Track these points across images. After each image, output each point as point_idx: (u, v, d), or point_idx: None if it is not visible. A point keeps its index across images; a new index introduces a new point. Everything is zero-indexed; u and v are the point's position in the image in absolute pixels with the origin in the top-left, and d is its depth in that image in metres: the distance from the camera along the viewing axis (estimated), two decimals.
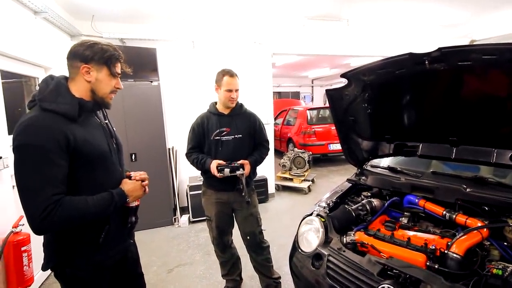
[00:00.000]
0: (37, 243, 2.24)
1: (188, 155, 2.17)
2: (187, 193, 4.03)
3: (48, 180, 1.00)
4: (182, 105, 4.29)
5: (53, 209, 0.98)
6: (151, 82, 3.80)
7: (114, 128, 1.32)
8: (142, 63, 3.84)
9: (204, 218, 2.29)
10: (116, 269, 1.30)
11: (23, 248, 1.95)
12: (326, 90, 1.95)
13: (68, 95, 1.11)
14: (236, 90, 2.07)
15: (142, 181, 1.28)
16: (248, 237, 2.21)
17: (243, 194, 1.97)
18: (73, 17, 3.66)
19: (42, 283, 2.69)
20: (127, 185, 1.22)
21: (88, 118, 1.18)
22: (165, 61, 4.15)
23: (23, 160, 1.00)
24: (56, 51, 3.19)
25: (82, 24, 3.73)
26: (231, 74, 2.05)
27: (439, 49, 1.35)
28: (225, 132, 2.09)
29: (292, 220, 2.72)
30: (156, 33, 4.09)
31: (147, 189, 1.29)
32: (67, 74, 1.17)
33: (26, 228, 2.04)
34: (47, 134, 1.01)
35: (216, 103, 2.19)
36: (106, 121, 1.29)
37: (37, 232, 1.02)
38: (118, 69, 1.19)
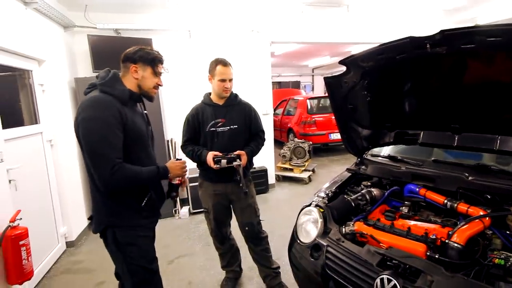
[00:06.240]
0: (35, 238, 2.24)
1: (183, 147, 2.13)
2: (187, 184, 4.02)
3: (113, 146, 1.25)
4: (180, 96, 4.22)
5: (118, 169, 1.24)
6: None
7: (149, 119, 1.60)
8: None
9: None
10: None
11: (21, 242, 1.95)
12: (324, 78, 1.89)
13: (122, 84, 1.39)
14: (230, 80, 2.02)
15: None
16: (246, 228, 2.19)
17: (241, 184, 1.94)
18: (66, 7, 3.57)
19: (44, 276, 2.71)
20: (170, 163, 1.52)
21: (133, 105, 1.46)
22: (161, 51, 4.01)
23: (92, 130, 1.24)
24: (49, 43, 3.12)
25: (75, 15, 3.65)
26: (224, 63, 1.99)
27: (442, 31, 1.29)
28: (220, 123, 2.05)
29: (292, 210, 2.70)
30: (151, 23, 3.99)
31: (186, 171, 1.58)
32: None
33: (23, 223, 2.04)
34: (109, 109, 1.26)
35: (210, 93, 2.14)
36: (145, 112, 1.58)
37: (105, 188, 1.28)
38: (160, 69, 1.50)
